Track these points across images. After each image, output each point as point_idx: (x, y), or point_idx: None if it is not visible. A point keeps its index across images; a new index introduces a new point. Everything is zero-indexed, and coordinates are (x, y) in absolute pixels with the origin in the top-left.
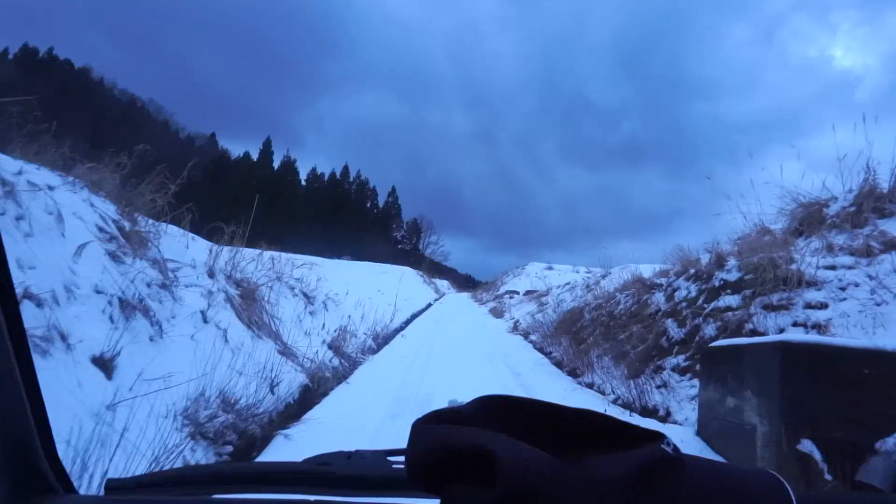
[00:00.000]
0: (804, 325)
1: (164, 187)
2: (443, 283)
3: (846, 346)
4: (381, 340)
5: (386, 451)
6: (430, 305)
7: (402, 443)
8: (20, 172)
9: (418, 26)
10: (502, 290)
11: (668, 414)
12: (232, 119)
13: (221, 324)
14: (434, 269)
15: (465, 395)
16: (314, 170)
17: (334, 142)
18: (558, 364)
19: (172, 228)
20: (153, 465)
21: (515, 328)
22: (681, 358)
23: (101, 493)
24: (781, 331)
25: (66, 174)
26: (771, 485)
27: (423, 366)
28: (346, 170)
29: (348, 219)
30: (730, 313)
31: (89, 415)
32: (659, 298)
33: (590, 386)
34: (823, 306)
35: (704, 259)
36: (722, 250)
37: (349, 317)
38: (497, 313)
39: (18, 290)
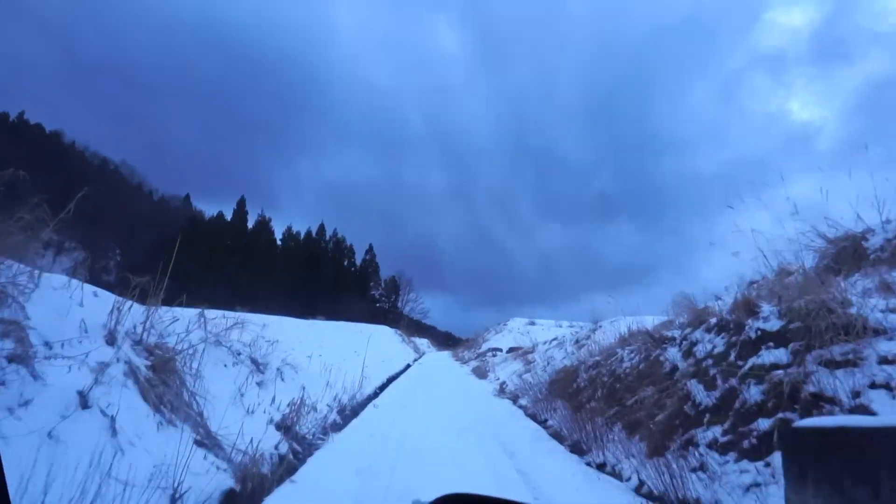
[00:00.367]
0: (886, 387)
1: (64, 222)
2: (422, 342)
3: None
4: (350, 412)
5: None
6: (408, 367)
7: None
8: None
9: (393, 90)
10: (484, 347)
11: None
12: (207, 180)
13: (111, 408)
14: (413, 327)
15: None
16: (289, 228)
17: (310, 201)
18: (557, 436)
19: (58, 279)
20: None
21: (502, 391)
22: (716, 430)
23: None
24: (857, 394)
25: None
26: None
27: (397, 447)
28: (322, 228)
29: (325, 277)
30: (778, 372)
31: None
32: (673, 354)
33: (601, 467)
34: None
35: (720, 307)
36: (749, 294)
37: (303, 387)
38: (480, 373)
39: None
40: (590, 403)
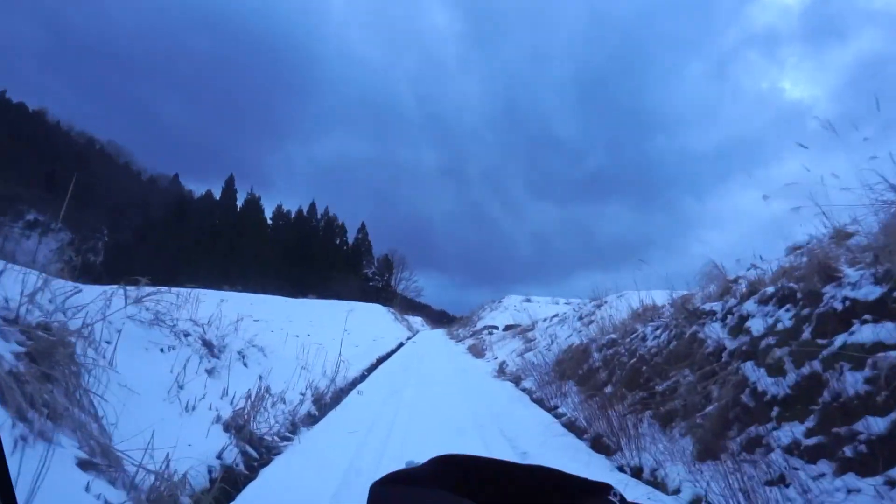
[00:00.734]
0: None
1: None
2: (416, 320)
3: None
4: (332, 399)
5: None
6: (401, 345)
7: None
8: None
9: (384, 68)
10: (480, 325)
11: None
12: (196, 160)
13: None
14: (407, 305)
15: None
16: (280, 207)
17: (302, 180)
18: (572, 427)
19: None
20: None
21: (502, 371)
22: (797, 429)
23: None
24: None
25: None
26: None
27: (380, 447)
28: (313, 206)
29: (317, 256)
30: (888, 354)
31: None
32: (716, 331)
33: (637, 473)
34: None
35: (756, 275)
36: (822, 254)
37: (260, 377)
38: (477, 352)
39: None
40: (606, 388)
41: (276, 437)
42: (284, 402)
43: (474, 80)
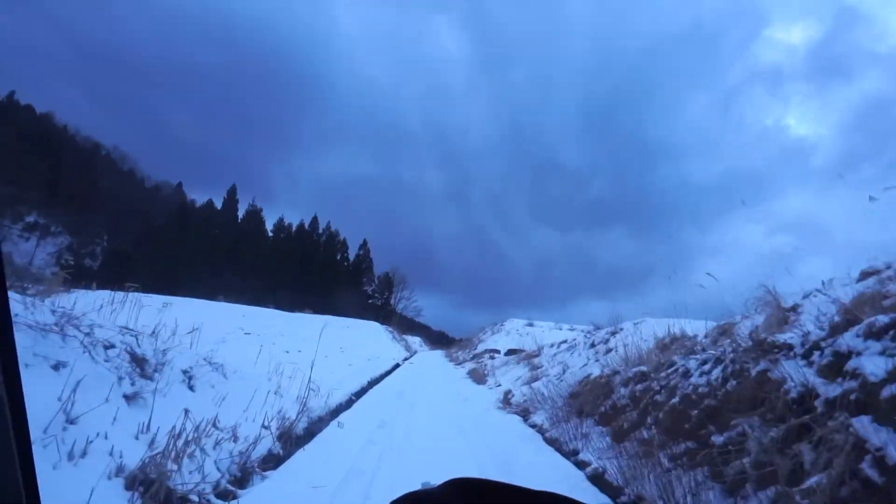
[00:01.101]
0: None
1: None
2: (415, 340)
3: None
4: (303, 433)
5: None
6: (397, 366)
7: None
8: None
9: (392, 88)
10: (480, 347)
11: None
12: (201, 170)
13: None
14: (406, 324)
15: None
16: (281, 219)
17: (305, 194)
18: (602, 483)
19: None
20: None
21: (507, 402)
22: None
23: None
24: None
25: None
26: None
27: None
28: (315, 220)
29: (316, 270)
30: None
31: None
32: (796, 370)
33: None
34: None
35: (815, 304)
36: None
37: (190, 409)
38: (478, 377)
39: None
40: (639, 431)
41: (207, 496)
42: (236, 440)
43: (481, 105)
